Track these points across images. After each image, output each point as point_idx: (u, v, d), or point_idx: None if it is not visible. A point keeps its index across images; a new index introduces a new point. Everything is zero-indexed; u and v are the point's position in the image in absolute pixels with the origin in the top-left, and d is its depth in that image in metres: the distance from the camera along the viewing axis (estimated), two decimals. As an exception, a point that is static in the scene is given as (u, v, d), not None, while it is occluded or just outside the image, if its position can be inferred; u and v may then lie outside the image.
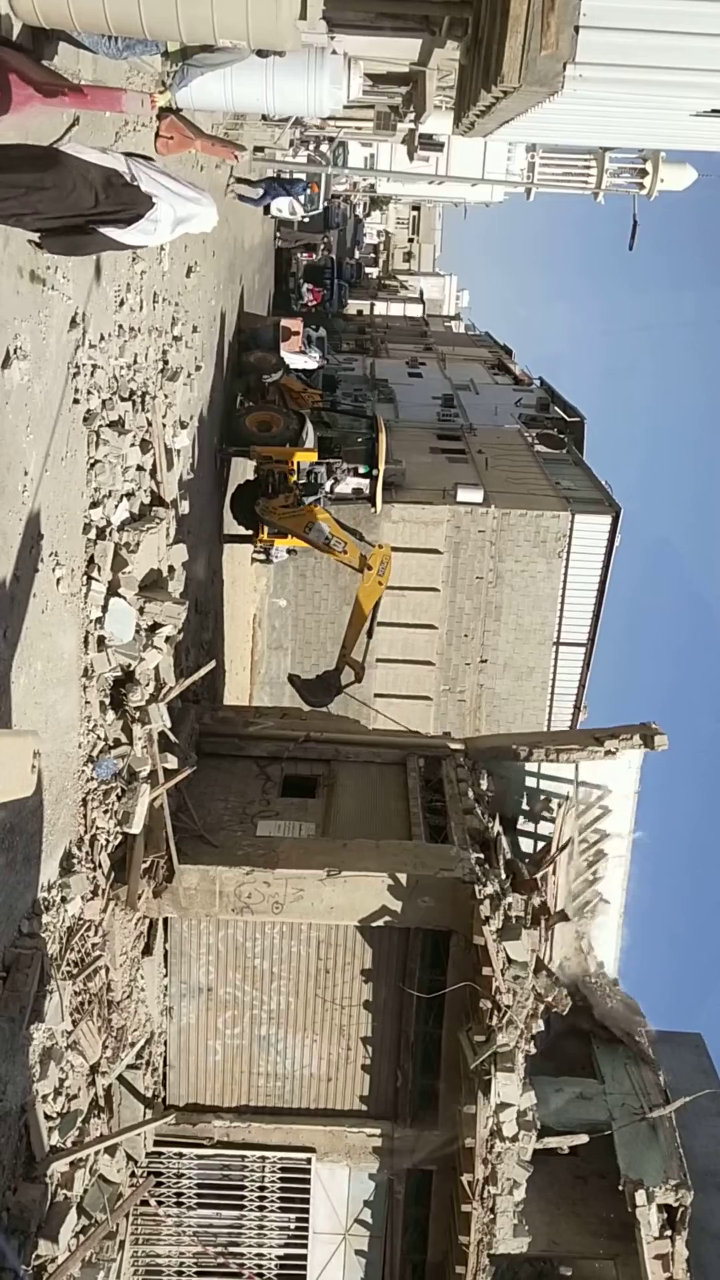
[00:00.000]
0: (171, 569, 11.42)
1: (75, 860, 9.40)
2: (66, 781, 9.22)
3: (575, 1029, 12.93)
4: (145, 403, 10.93)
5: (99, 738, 9.96)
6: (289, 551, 22.51)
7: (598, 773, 13.98)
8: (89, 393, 9.04)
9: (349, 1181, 12.28)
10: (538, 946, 11.68)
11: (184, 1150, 12.04)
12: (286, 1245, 12.33)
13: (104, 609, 9.61)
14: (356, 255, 60.37)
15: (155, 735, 10.86)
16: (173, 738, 11.76)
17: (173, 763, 11.44)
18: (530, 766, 14.10)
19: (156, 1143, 11.85)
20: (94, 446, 9.25)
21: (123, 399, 10.06)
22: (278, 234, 35.29)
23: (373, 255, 74.78)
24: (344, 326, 49.21)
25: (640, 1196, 11.16)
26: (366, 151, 38.96)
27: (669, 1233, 11.18)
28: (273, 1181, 12.19)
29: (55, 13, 6.76)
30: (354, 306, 57.12)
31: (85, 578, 9.30)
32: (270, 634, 27.63)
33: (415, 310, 63.93)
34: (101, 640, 9.70)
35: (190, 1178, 12.16)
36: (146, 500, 11.00)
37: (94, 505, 9.41)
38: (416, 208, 75.45)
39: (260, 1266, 12.32)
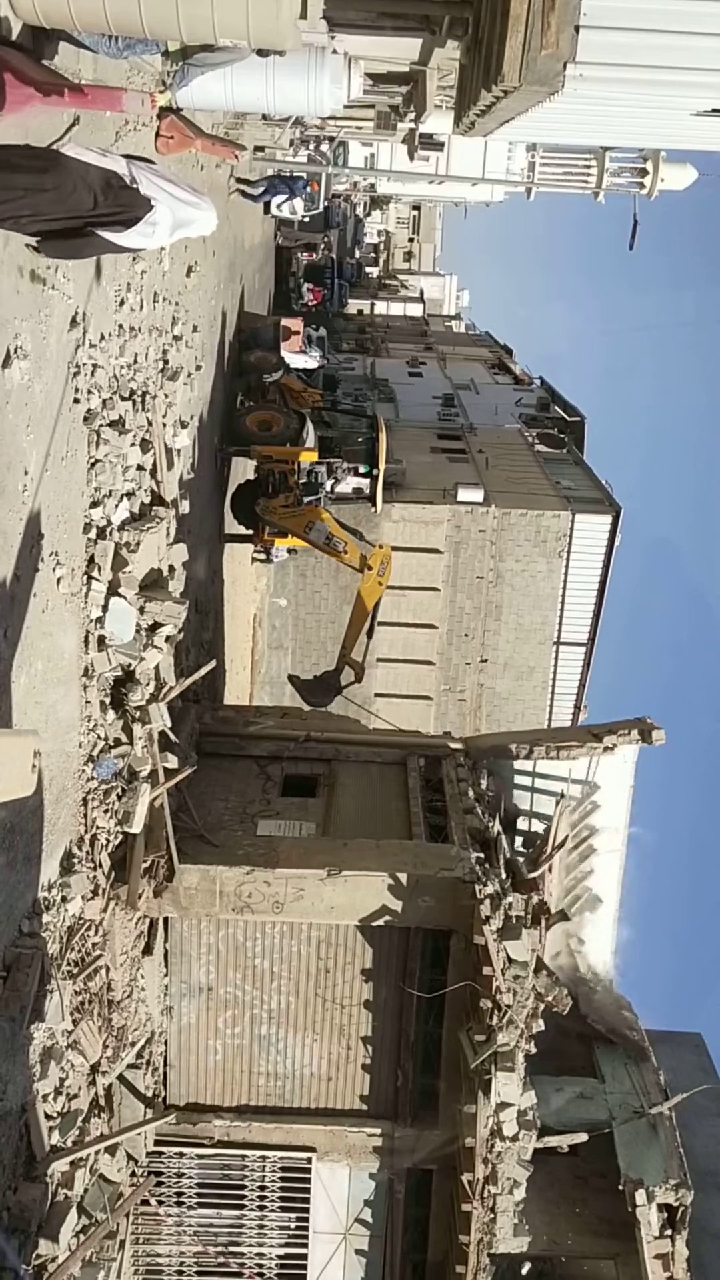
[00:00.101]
0: (172, 568, 11.41)
1: (76, 860, 9.40)
2: (67, 781, 9.22)
3: (560, 1027, 12.89)
4: (145, 402, 10.92)
5: (99, 737, 9.96)
6: (289, 551, 22.49)
7: (593, 769, 13.98)
8: (89, 392, 9.04)
9: (349, 1181, 12.29)
10: (538, 946, 11.68)
11: (184, 1150, 12.04)
12: (287, 1245, 12.33)
13: (104, 608, 9.61)
14: (357, 255, 60.38)
15: (155, 735, 10.86)
16: (173, 737, 11.76)
17: (173, 762, 11.44)
18: (525, 765, 14.09)
19: (157, 1142, 11.85)
20: (94, 446, 9.25)
21: (123, 398, 10.06)
22: (278, 233, 35.28)
23: (373, 255, 74.82)
24: (344, 326, 49.21)
25: (640, 1196, 11.16)
26: (367, 151, 38.96)
27: (669, 1232, 11.17)
28: (273, 1181, 12.20)
29: (55, 12, 6.76)
30: (354, 306, 57.12)
31: (85, 577, 9.30)
32: (270, 633, 27.63)
33: (415, 310, 63.97)
34: (102, 640, 9.70)
35: (191, 1177, 12.17)
36: (147, 500, 11.00)
37: (94, 505, 9.41)
38: (417, 207, 75.50)
39: (260, 1266, 12.32)
